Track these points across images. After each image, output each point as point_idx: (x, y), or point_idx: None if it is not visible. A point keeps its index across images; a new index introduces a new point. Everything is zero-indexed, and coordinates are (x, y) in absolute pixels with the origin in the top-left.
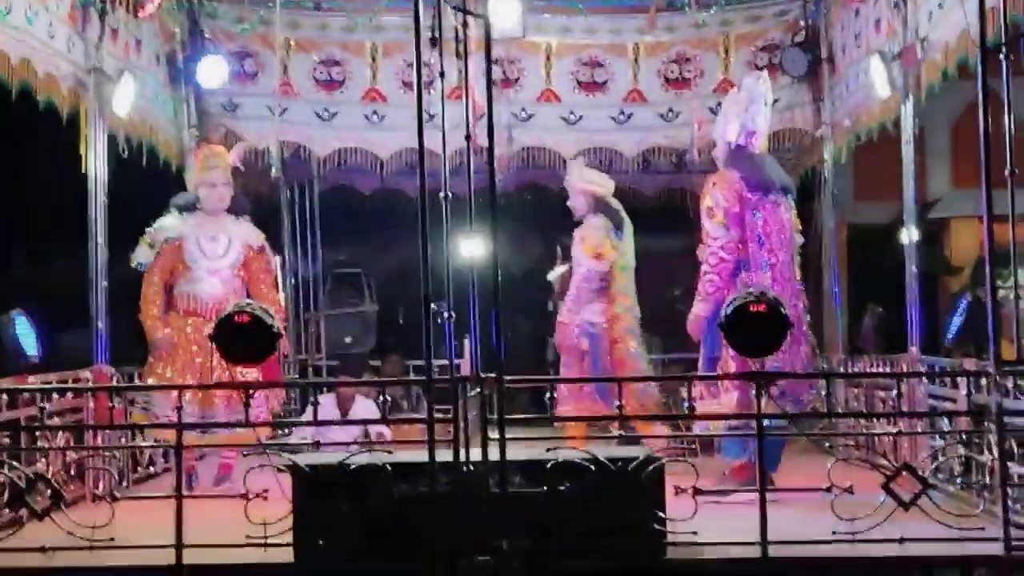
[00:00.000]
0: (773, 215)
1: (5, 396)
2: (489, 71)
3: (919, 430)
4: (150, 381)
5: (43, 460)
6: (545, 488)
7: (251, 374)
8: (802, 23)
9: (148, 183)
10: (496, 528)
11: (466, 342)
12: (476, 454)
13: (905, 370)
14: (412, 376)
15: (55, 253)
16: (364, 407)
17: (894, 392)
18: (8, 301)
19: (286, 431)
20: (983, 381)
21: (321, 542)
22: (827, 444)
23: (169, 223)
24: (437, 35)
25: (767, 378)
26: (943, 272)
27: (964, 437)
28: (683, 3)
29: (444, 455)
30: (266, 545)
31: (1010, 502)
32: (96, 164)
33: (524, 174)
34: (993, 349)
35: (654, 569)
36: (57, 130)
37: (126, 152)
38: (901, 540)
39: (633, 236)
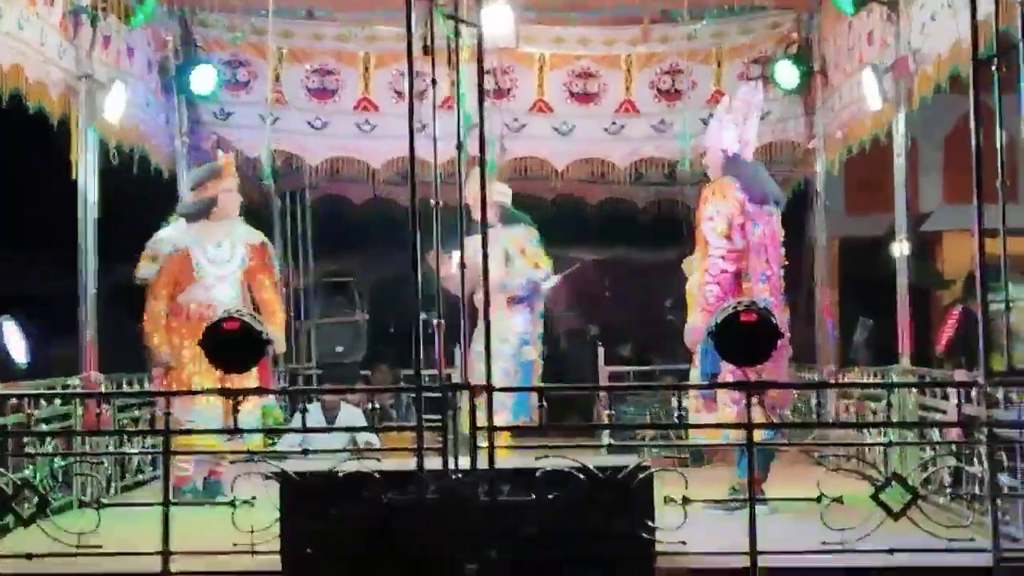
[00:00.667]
0: (769, 226)
1: None
2: (481, 81)
3: (909, 441)
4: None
5: (30, 466)
6: (534, 497)
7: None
8: (795, 36)
9: (138, 191)
10: (485, 537)
11: (457, 351)
12: (465, 463)
13: (895, 381)
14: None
15: (45, 261)
16: (349, 415)
17: (884, 403)
18: None
19: (274, 439)
20: (973, 392)
21: (309, 550)
22: (817, 455)
23: (169, 234)
24: (430, 44)
25: (758, 387)
26: (934, 285)
27: (954, 448)
28: (676, 15)
29: (433, 463)
30: (253, 552)
31: (1000, 513)
32: (86, 171)
33: (516, 184)
34: (983, 360)
35: None
36: (47, 137)
37: (117, 159)
38: (891, 551)
39: None
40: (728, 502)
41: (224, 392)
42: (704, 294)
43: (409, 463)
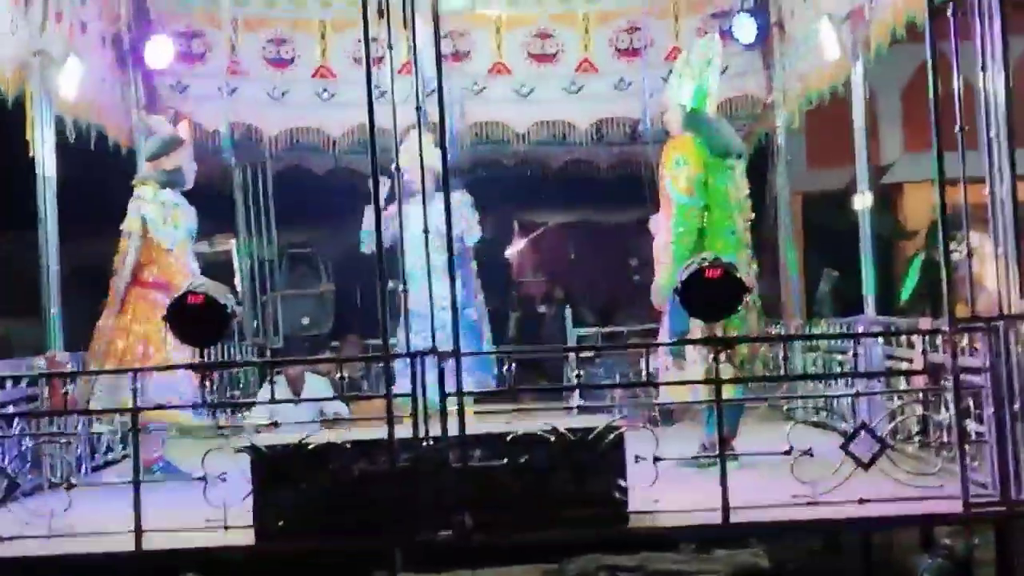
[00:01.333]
0: (731, 180)
1: None
2: (438, 44)
3: (876, 391)
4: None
5: None
6: (506, 461)
7: None
8: None
9: (97, 167)
10: (457, 503)
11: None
12: (436, 429)
13: (861, 331)
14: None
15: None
16: (315, 386)
17: (851, 354)
18: None
19: (243, 413)
20: (938, 340)
21: (281, 522)
22: (786, 408)
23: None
24: (385, 9)
25: (726, 343)
26: (897, 236)
27: (921, 396)
28: None
29: (404, 432)
30: (226, 527)
31: (968, 459)
32: (43, 148)
33: (478, 148)
34: (947, 308)
35: (616, 538)
36: (3, 115)
37: (74, 136)
38: (861, 501)
39: None
40: (699, 458)
41: (189, 366)
42: (670, 252)
43: (380, 432)
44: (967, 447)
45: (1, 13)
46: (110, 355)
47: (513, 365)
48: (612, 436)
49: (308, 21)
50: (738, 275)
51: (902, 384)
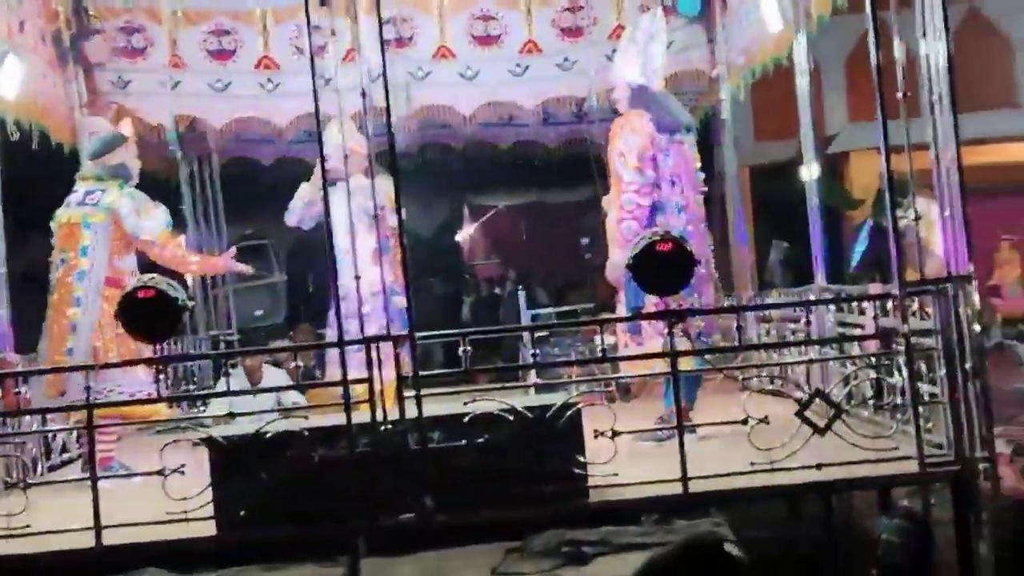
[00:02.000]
0: (681, 155)
1: None
2: (381, 30)
3: (829, 356)
4: None
5: None
6: (464, 442)
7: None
8: None
9: (41, 166)
10: (418, 485)
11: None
12: (394, 414)
13: (812, 300)
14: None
15: None
16: (273, 377)
17: (803, 322)
18: None
19: (200, 405)
20: (889, 305)
21: (243, 512)
22: (741, 377)
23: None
24: None
25: (679, 315)
26: (845, 205)
27: (873, 361)
28: None
29: (362, 417)
30: (187, 520)
31: (922, 420)
32: None
33: (426, 133)
34: (897, 272)
35: (578, 513)
36: None
37: (16, 135)
38: (819, 466)
39: None
40: (656, 430)
41: (144, 361)
42: (622, 230)
43: (338, 419)
44: (921, 408)
45: None
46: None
47: (469, 347)
48: (569, 413)
49: (249, 12)
50: (689, 248)
51: (855, 350)
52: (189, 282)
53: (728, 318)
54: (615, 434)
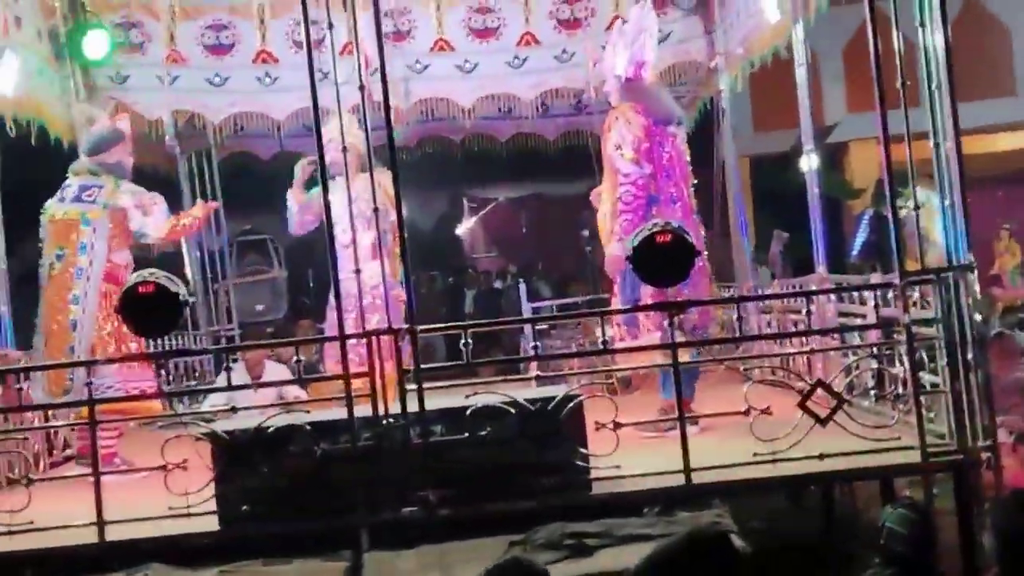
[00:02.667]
0: (674, 147)
1: None
2: (379, 24)
3: (831, 346)
4: None
5: None
6: (467, 435)
7: None
8: None
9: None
10: (420, 478)
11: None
12: (395, 407)
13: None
14: None
15: None
16: (275, 371)
17: (804, 312)
18: None
19: (200, 399)
20: (890, 294)
21: (245, 507)
22: (743, 368)
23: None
24: None
25: (679, 307)
26: (845, 195)
27: (875, 351)
28: None
29: (364, 411)
30: (190, 515)
31: (924, 410)
32: None
33: (425, 127)
34: (897, 261)
35: (580, 505)
36: None
37: (14, 132)
38: (821, 456)
39: None
40: (658, 422)
41: (145, 356)
42: (620, 223)
43: (339, 413)
44: (923, 398)
45: None
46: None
47: (470, 339)
48: (571, 405)
49: (246, 6)
50: (688, 239)
51: (856, 340)
52: (189, 277)
53: (727, 311)
54: (617, 426)
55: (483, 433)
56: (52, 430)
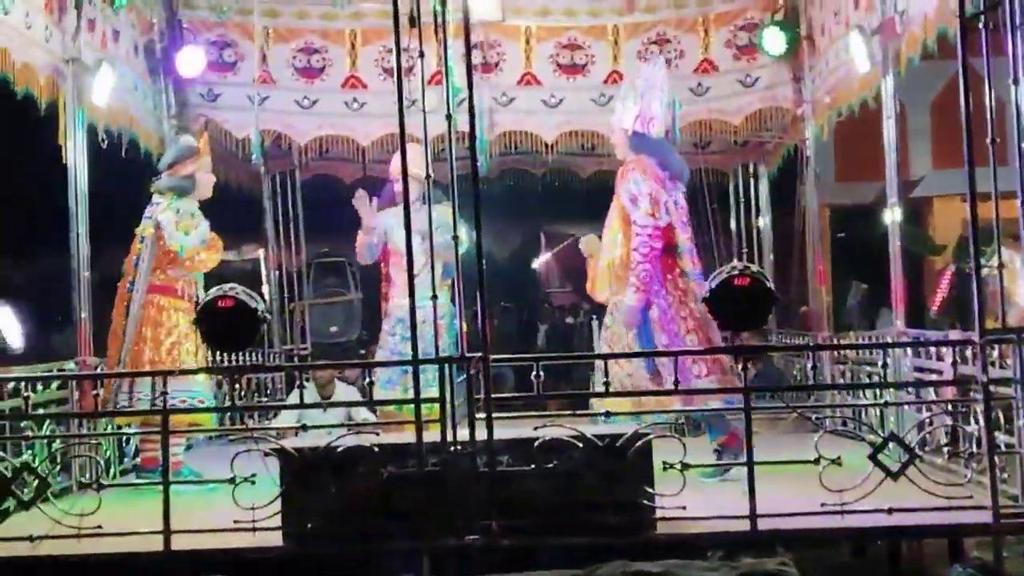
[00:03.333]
0: (683, 200)
1: None
2: (468, 55)
3: (905, 400)
4: None
5: (29, 450)
6: (533, 466)
7: None
8: (781, 1)
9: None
10: (484, 507)
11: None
12: (464, 434)
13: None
14: None
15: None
16: (345, 392)
17: (880, 365)
18: None
19: (271, 416)
20: (968, 352)
21: (310, 525)
22: (814, 417)
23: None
24: (416, 18)
25: (749, 351)
26: (926, 251)
27: (950, 407)
28: None
29: (432, 436)
30: (255, 529)
31: (998, 471)
32: (75, 155)
33: (507, 159)
34: (977, 318)
35: (643, 544)
36: (36, 121)
37: (106, 143)
38: (890, 511)
39: None
40: (725, 466)
41: (220, 370)
42: (638, 274)
43: (408, 437)
44: (997, 458)
45: (35, 21)
46: (138, 365)
47: (542, 372)
48: (640, 443)
49: (339, 31)
50: (768, 284)
51: (931, 395)
52: (266, 295)
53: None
54: (685, 467)
55: (550, 466)
56: (124, 437)
